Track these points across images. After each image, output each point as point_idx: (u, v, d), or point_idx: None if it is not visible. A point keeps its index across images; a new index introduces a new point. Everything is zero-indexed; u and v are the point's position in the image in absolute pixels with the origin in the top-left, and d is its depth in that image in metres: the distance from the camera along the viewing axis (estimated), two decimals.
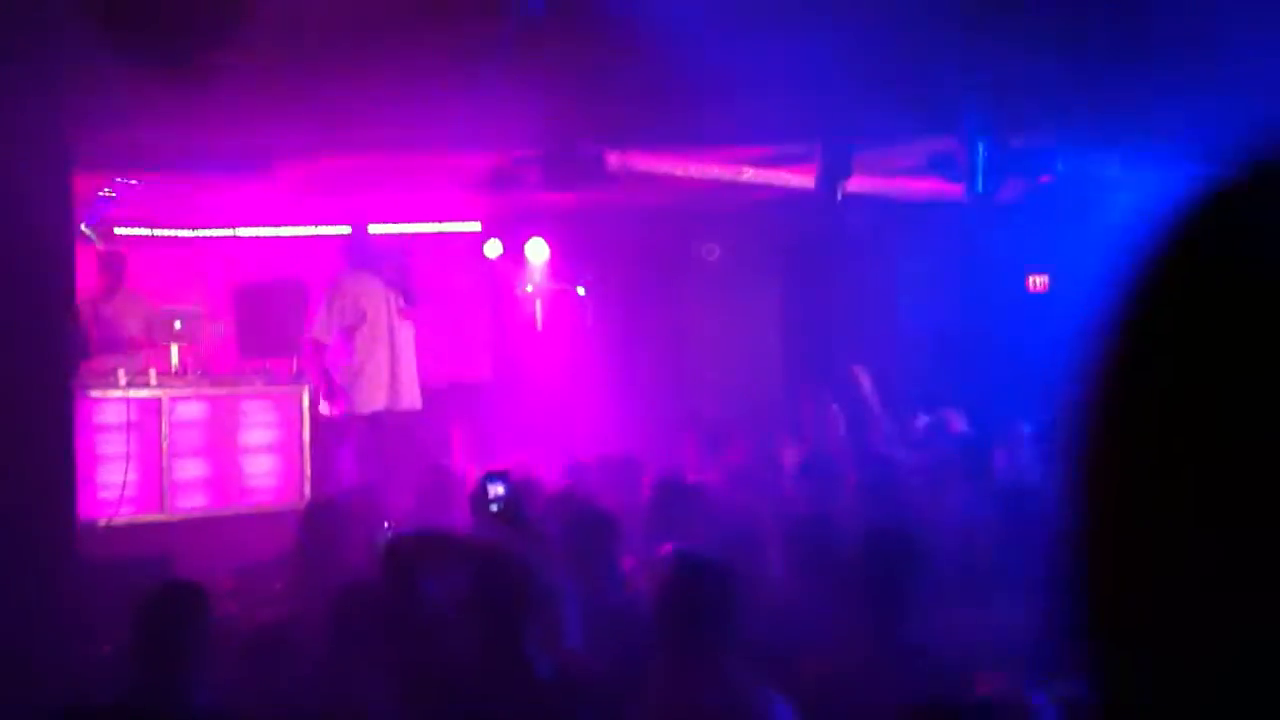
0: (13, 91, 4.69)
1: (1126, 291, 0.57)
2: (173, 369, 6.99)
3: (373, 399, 7.55)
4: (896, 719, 2.54)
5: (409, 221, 9.29)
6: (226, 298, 8.96)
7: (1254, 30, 4.37)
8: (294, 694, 3.71)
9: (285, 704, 3.68)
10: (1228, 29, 4.36)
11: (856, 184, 7.25)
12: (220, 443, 7.02)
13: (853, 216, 8.33)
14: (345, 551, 5.03)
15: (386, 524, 4.77)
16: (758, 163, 7.73)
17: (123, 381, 6.68)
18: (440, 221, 9.56)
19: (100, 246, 7.60)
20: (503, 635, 3.23)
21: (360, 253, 7.78)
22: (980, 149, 6.57)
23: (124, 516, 6.47)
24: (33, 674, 4.55)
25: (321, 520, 5.23)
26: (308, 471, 7.21)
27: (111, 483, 6.49)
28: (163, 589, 3.79)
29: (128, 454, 6.55)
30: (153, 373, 6.85)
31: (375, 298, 7.65)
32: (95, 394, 6.55)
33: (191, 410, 6.95)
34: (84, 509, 5.77)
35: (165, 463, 6.75)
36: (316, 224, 9.17)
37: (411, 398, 7.70)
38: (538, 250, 9.78)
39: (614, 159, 7.01)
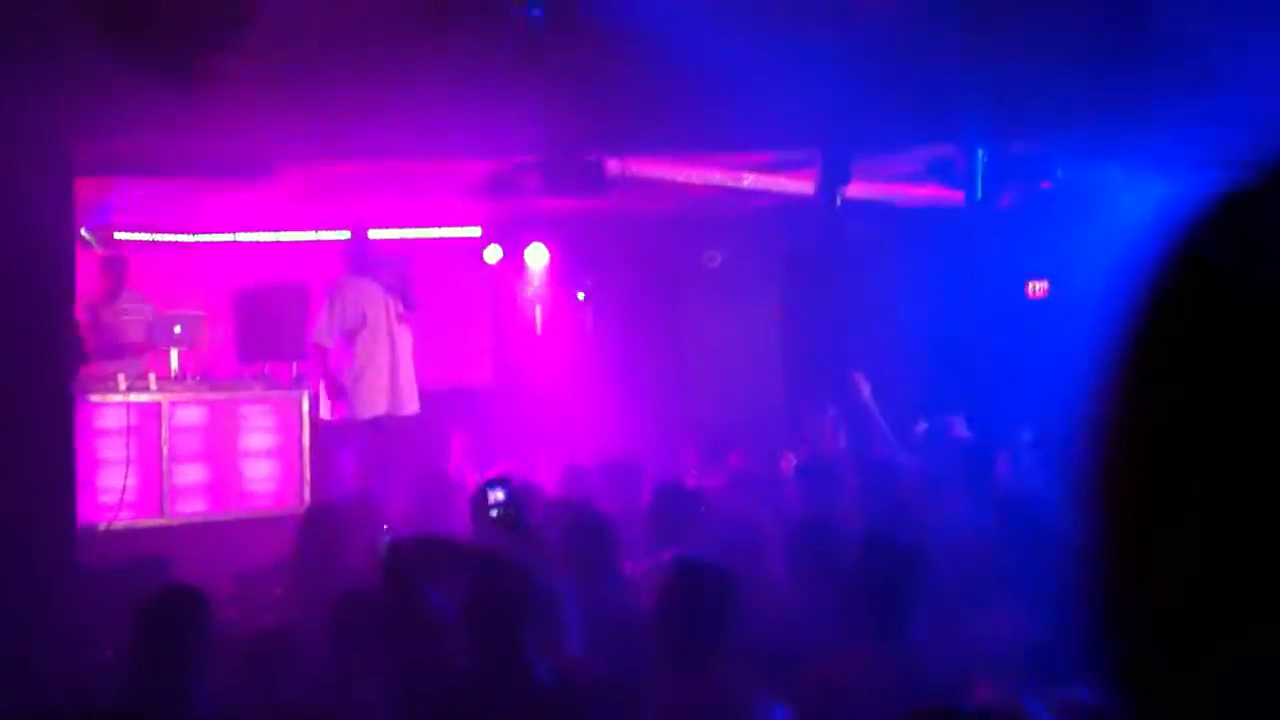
0: (13, 96, 4.69)
1: (1134, 299, 0.57)
2: (172, 373, 6.99)
3: (373, 404, 7.56)
4: None
5: (409, 227, 9.30)
6: (226, 302, 8.97)
7: (1256, 34, 4.37)
8: (294, 699, 3.70)
9: (285, 709, 3.67)
10: (1230, 33, 4.37)
11: (856, 190, 7.26)
12: (220, 447, 7.02)
13: (852, 222, 8.33)
14: (345, 556, 5.02)
15: (385, 528, 4.77)
16: (757, 169, 7.74)
17: (123, 386, 6.68)
18: (440, 227, 9.56)
19: (100, 251, 7.60)
20: (502, 641, 3.23)
21: (360, 258, 7.79)
22: (980, 155, 6.58)
23: (124, 521, 6.47)
24: (32, 678, 4.55)
25: (321, 525, 5.22)
26: (307, 476, 7.21)
27: (111, 487, 6.49)
28: (163, 593, 3.78)
29: (127, 458, 6.55)
30: (152, 377, 6.85)
31: (375, 303, 7.66)
32: (95, 398, 6.55)
33: (191, 415, 6.95)
34: (84, 513, 5.77)
35: (165, 467, 6.75)
36: (317, 229, 9.18)
37: (411, 402, 7.71)
38: (538, 256, 9.79)
39: (614, 165, 7.01)
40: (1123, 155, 6.78)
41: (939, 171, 7.09)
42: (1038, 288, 9.01)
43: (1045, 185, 7.09)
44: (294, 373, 7.46)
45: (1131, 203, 6.78)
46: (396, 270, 7.80)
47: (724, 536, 4.58)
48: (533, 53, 4.53)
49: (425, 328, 8.22)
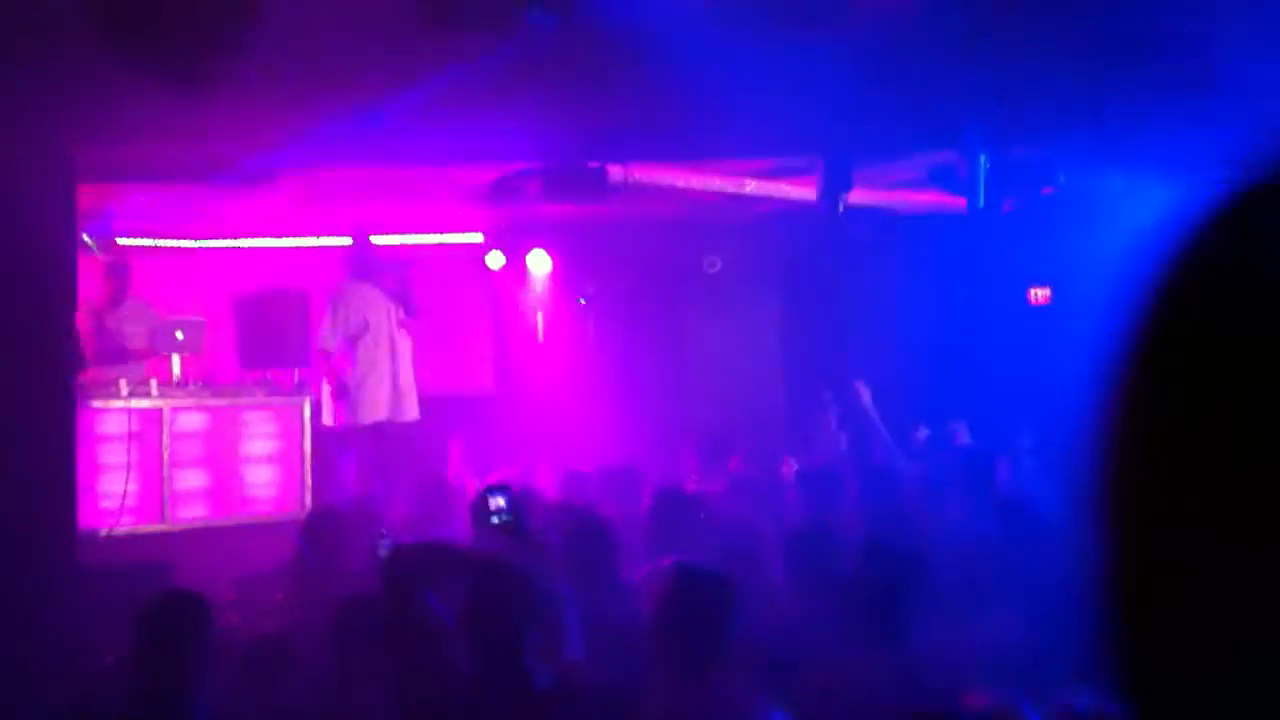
0: (15, 100, 4.70)
1: (1138, 305, 0.57)
2: (174, 379, 6.99)
3: (375, 409, 7.57)
4: None
5: (411, 232, 9.30)
6: (228, 308, 8.97)
7: (1259, 37, 4.37)
8: (295, 705, 3.70)
9: (286, 715, 3.67)
10: (1233, 37, 4.37)
11: (858, 196, 7.26)
12: (221, 453, 7.02)
13: (854, 229, 8.34)
14: (346, 562, 5.02)
15: (384, 534, 4.77)
16: (759, 175, 7.74)
17: (124, 392, 6.69)
18: (442, 232, 9.57)
19: (102, 256, 7.61)
20: (502, 646, 3.23)
21: (362, 263, 7.80)
22: (982, 161, 6.58)
23: (125, 526, 6.47)
24: (33, 683, 4.55)
25: (322, 531, 5.22)
26: (308, 482, 7.21)
27: (113, 492, 6.49)
28: (164, 599, 3.78)
29: (129, 464, 6.55)
30: (154, 383, 6.85)
31: (377, 309, 7.67)
32: (97, 404, 6.55)
33: (192, 421, 6.95)
34: (85, 519, 5.77)
35: (166, 473, 6.75)
36: (319, 235, 9.18)
37: (412, 408, 7.72)
38: (540, 261, 9.79)
39: (616, 171, 7.02)
40: (1124, 158, 6.78)
41: (941, 178, 7.08)
42: (1040, 294, 9.01)
43: (1047, 191, 7.09)
44: (295, 379, 7.46)
45: (1134, 209, 6.78)
46: (398, 276, 7.81)
47: (724, 542, 4.58)
48: (535, 59, 4.53)
49: (427, 333, 8.22)
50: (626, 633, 3.79)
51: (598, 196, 7.01)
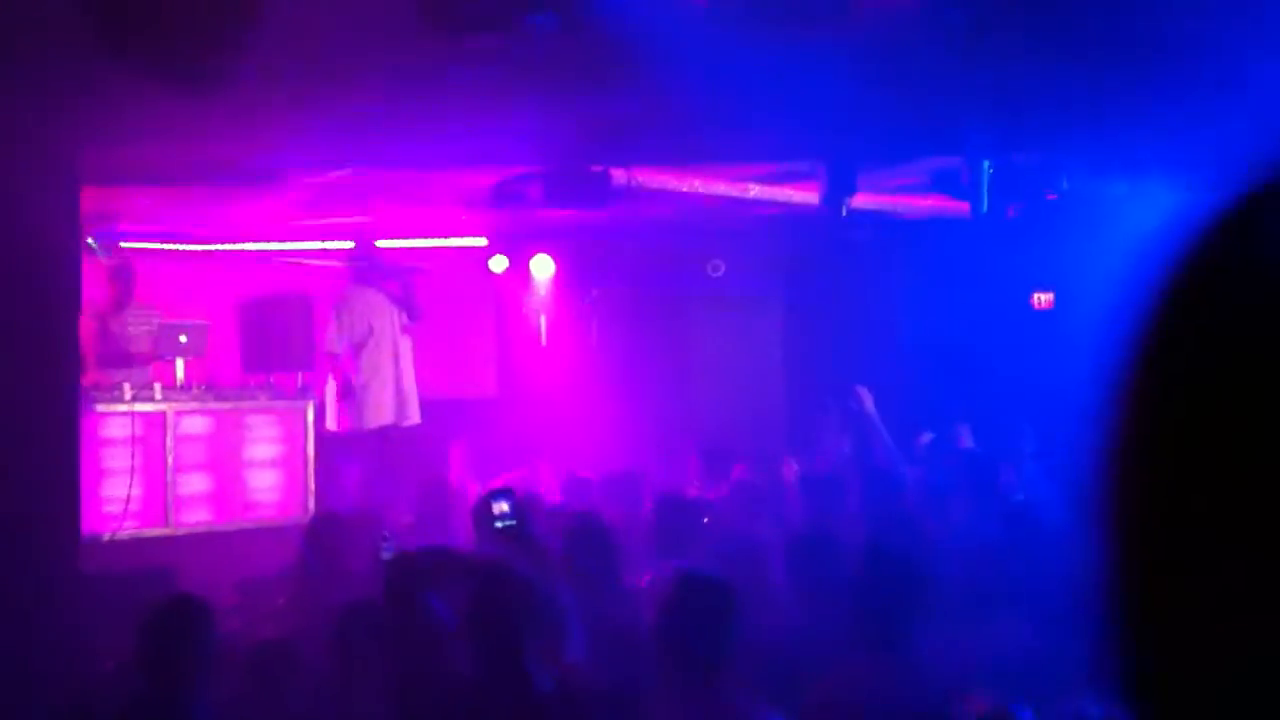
0: (18, 105, 4.71)
1: (1144, 310, 0.57)
2: (178, 383, 6.99)
3: (380, 414, 7.57)
4: None
5: (414, 237, 9.31)
6: (232, 312, 8.98)
7: (1262, 38, 4.36)
8: (297, 709, 3.70)
9: (288, 719, 3.67)
10: (1238, 41, 4.37)
11: (861, 200, 7.26)
12: (224, 457, 7.02)
13: (857, 233, 8.34)
14: (348, 566, 5.02)
15: (387, 538, 4.77)
16: (762, 179, 7.74)
17: (128, 395, 6.69)
18: (445, 237, 9.57)
19: (106, 260, 7.62)
20: (504, 651, 3.23)
21: (366, 268, 7.80)
22: (985, 167, 6.58)
23: (128, 530, 6.47)
24: (36, 687, 4.55)
25: (325, 535, 5.23)
26: (311, 486, 7.21)
27: (116, 497, 6.49)
28: (167, 604, 3.78)
29: (132, 468, 6.56)
30: (157, 387, 6.85)
31: (381, 314, 7.68)
32: (101, 408, 6.56)
33: (196, 424, 6.95)
34: (89, 523, 5.77)
35: (170, 477, 6.75)
36: (322, 239, 9.19)
37: (414, 412, 7.73)
38: (543, 266, 9.80)
39: (620, 176, 7.02)
40: (1127, 160, 6.77)
41: (944, 183, 7.08)
42: (1043, 299, 9.00)
43: (1051, 197, 7.08)
44: (299, 383, 7.46)
45: (1137, 214, 6.77)
46: (402, 281, 7.82)
47: (725, 547, 4.57)
48: (537, 62, 4.54)
49: (430, 337, 8.23)
50: (629, 638, 3.79)
51: (601, 201, 7.01)
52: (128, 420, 6.63)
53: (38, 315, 5.07)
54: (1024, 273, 8.81)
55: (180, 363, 7.07)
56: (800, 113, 5.18)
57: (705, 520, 5.32)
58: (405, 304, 7.74)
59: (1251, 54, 4.46)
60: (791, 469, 6.67)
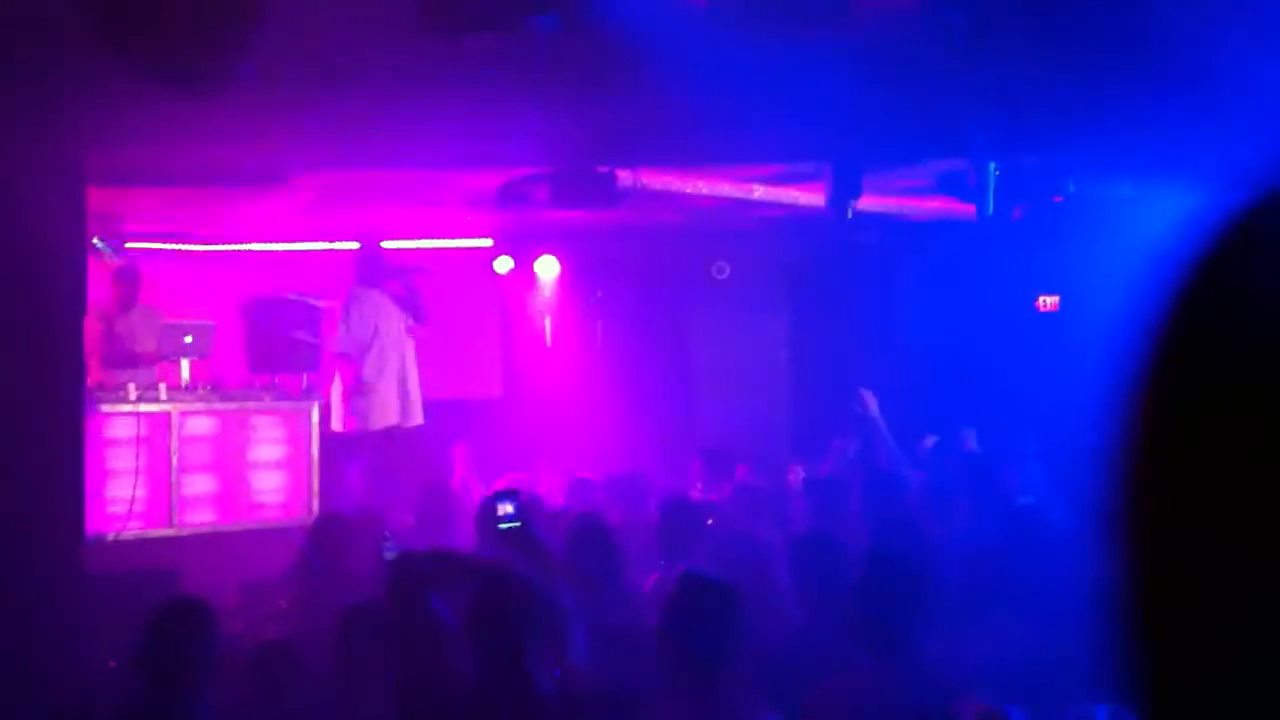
0: (23, 105, 4.72)
1: (1151, 314, 0.57)
2: (183, 383, 7.00)
3: (386, 415, 7.57)
4: None
5: (420, 237, 9.32)
6: (236, 312, 8.98)
7: (1264, 39, 4.35)
8: (299, 710, 3.70)
9: None
10: (1240, 42, 4.35)
11: (866, 202, 7.25)
12: (229, 458, 7.03)
13: (862, 235, 8.32)
14: (351, 567, 5.02)
15: (389, 539, 4.76)
16: (768, 181, 7.73)
17: (133, 396, 6.70)
18: (451, 238, 9.58)
19: (111, 261, 7.63)
20: (506, 653, 3.22)
21: (371, 268, 7.81)
22: (991, 169, 6.57)
23: (133, 531, 6.47)
24: (38, 687, 4.55)
25: (328, 536, 5.23)
26: (316, 487, 7.21)
27: (121, 497, 6.50)
28: (170, 605, 3.79)
29: (137, 468, 6.56)
30: (162, 387, 6.86)
31: (386, 315, 7.68)
32: (106, 408, 6.57)
33: (201, 425, 6.96)
34: (93, 523, 5.78)
35: (174, 477, 6.76)
36: (328, 239, 9.20)
37: (418, 413, 7.74)
38: (548, 267, 9.80)
39: (625, 177, 7.02)
40: (1129, 162, 6.76)
41: (950, 185, 7.08)
42: (1048, 302, 8.99)
43: (1057, 200, 7.07)
44: (304, 384, 7.47)
45: (1142, 217, 6.75)
46: (407, 281, 7.82)
47: (729, 550, 4.56)
48: (545, 64, 4.53)
49: (435, 338, 8.23)
50: (632, 640, 3.79)
51: (607, 202, 7.01)
52: (132, 420, 6.64)
53: (42, 316, 5.08)
54: (1029, 275, 8.80)
55: (185, 363, 7.08)
56: (801, 113, 5.17)
57: (709, 522, 5.31)
58: (411, 305, 7.74)
59: (1253, 54, 4.45)
60: (796, 473, 6.67)
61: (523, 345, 10.06)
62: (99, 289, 6.83)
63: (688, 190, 7.49)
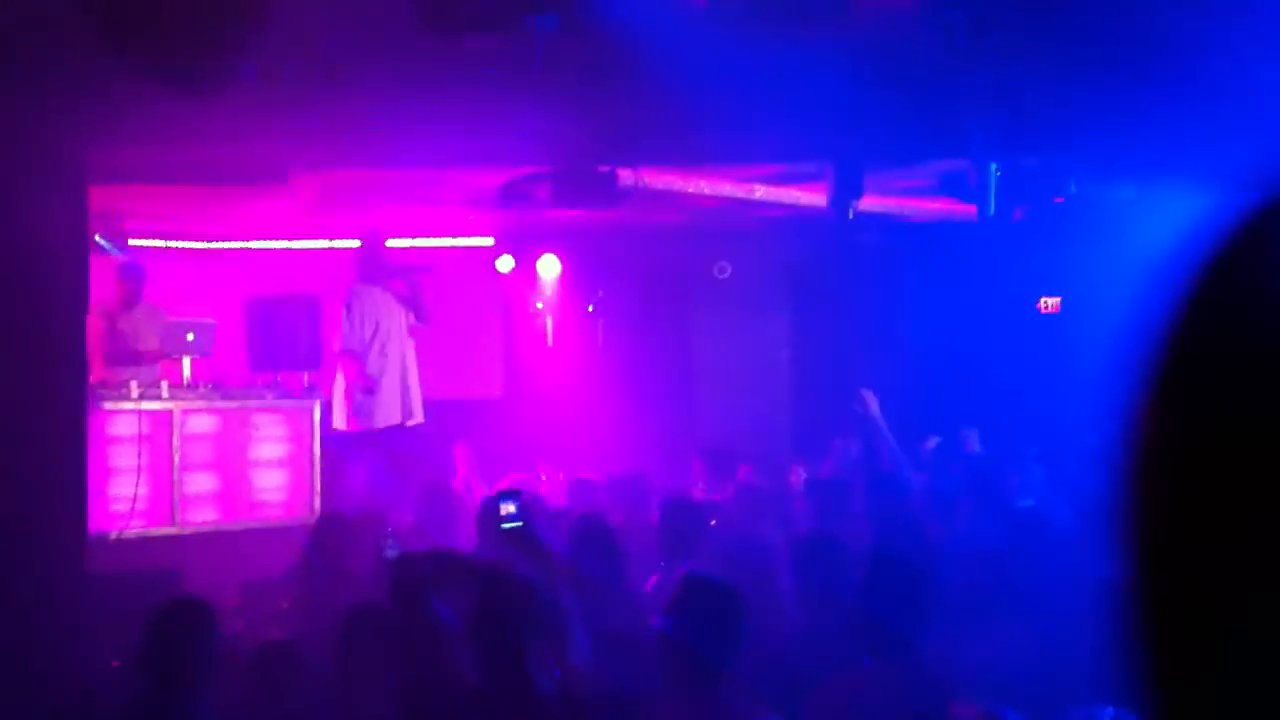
0: (24, 104, 4.72)
1: (1155, 315, 0.57)
2: (185, 381, 7.00)
3: (388, 414, 7.57)
4: None
5: (421, 236, 9.32)
6: (239, 310, 8.98)
7: (1267, 43, 4.35)
8: (300, 711, 3.70)
9: None
10: (1241, 43, 4.35)
11: (868, 203, 7.25)
12: (231, 456, 7.02)
13: (864, 235, 8.32)
14: (352, 567, 5.02)
15: (390, 539, 4.77)
16: (769, 181, 7.73)
17: (135, 394, 6.70)
18: (452, 236, 9.58)
19: (114, 258, 7.63)
20: (508, 654, 3.22)
21: (373, 266, 7.80)
22: (993, 170, 6.56)
23: (134, 529, 6.47)
24: (37, 687, 4.55)
25: (329, 536, 5.22)
26: (317, 486, 7.21)
27: (122, 495, 6.50)
28: (171, 606, 3.79)
29: (139, 466, 6.56)
30: (164, 385, 6.86)
31: (389, 313, 7.68)
32: (108, 406, 6.57)
33: (203, 423, 6.96)
34: (95, 521, 5.78)
35: (176, 476, 6.76)
36: (329, 237, 9.20)
37: (420, 412, 7.74)
38: (550, 266, 9.80)
39: (627, 176, 7.02)
40: (1131, 163, 6.75)
41: (951, 186, 7.07)
42: (1050, 303, 8.98)
43: (1058, 200, 7.07)
44: (306, 382, 7.47)
45: (1144, 219, 6.75)
46: (409, 281, 7.82)
47: (731, 551, 4.56)
48: (545, 64, 4.53)
49: (436, 337, 8.22)
50: (634, 641, 3.78)
51: (608, 201, 7.00)
52: (134, 418, 6.64)
53: (44, 315, 5.08)
54: (1031, 277, 8.79)
55: (187, 361, 7.08)
56: (801, 113, 5.17)
57: (711, 523, 5.31)
58: (412, 304, 7.74)
59: (1254, 55, 4.44)
60: (798, 475, 6.66)
61: (524, 344, 10.06)
62: (103, 286, 6.83)
63: (689, 190, 7.49)
